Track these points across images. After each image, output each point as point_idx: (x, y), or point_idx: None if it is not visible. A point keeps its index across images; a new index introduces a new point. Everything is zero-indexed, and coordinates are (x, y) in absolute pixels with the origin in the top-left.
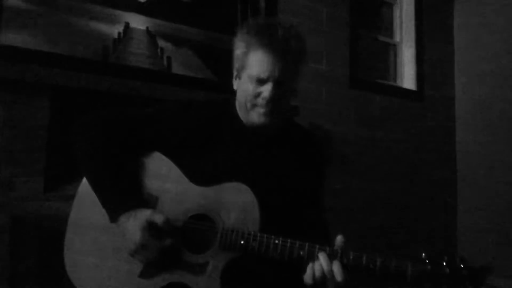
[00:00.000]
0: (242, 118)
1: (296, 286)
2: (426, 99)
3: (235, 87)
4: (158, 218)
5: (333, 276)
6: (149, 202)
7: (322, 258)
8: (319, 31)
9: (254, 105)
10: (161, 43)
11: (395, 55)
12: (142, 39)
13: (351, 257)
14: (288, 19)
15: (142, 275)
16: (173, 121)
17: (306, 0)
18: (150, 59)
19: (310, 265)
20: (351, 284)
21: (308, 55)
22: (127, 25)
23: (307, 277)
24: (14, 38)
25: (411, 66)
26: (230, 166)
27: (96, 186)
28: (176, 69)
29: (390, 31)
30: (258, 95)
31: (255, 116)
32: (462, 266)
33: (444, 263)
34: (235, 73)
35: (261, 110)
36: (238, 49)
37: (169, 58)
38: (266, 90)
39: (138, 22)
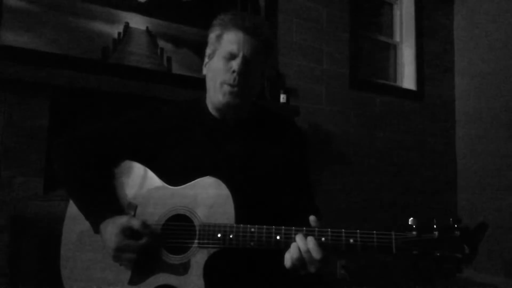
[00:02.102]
0: (211, 109)
1: (279, 275)
2: (426, 99)
3: (204, 72)
4: (135, 222)
5: (310, 255)
6: (129, 210)
7: (298, 238)
8: (319, 31)
9: (222, 83)
10: (161, 43)
11: (395, 55)
12: (142, 39)
13: (329, 234)
14: (288, 19)
15: (131, 282)
16: (142, 128)
17: (306, 0)
18: (150, 59)
19: (288, 249)
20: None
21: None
22: (127, 25)
23: (286, 261)
24: (14, 38)
25: (411, 66)
26: (203, 162)
27: (77, 202)
28: (176, 69)
29: (390, 31)
30: (227, 70)
31: (221, 96)
32: (454, 226)
33: (434, 227)
34: (206, 60)
35: (228, 89)
36: (213, 33)
37: (169, 58)
38: (235, 63)
39: (138, 22)
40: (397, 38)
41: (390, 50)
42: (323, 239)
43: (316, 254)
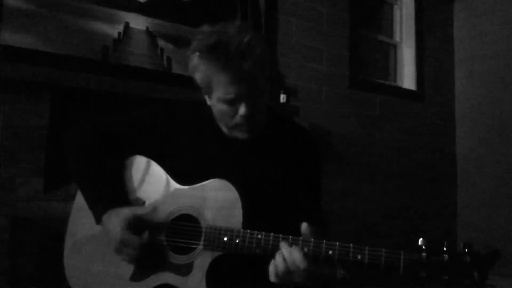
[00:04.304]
0: (223, 129)
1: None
2: (426, 99)
3: (208, 102)
4: (141, 210)
5: (295, 265)
6: (136, 205)
7: (283, 246)
8: (319, 31)
9: (235, 125)
10: (161, 43)
11: (395, 55)
12: (142, 39)
13: (336, 248)
14: (288, 19)
15: (133, 278)
16: (156, 124)
17: (306, 0)
18: (150, 59)
19: (272, 261)
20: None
21: (268, 60)
22: (127, 25)
23: (271, 274)
24: (14, 38)
25: (411, 66)
26: (214, 165)
27: (83, 190)
28: (176, 69)
29: (390, 31)
30: (235, 114)
31: (239, 134)
32: (465, 252)
33: (444, 250)
34: (203, 91)
35: (244, 128)
36: (197, 72)
37: (169, 58)
38: (242, 109)
39: (138, 22)
40: (397, 38)
41: (390, 50)
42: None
43: (300, 263)
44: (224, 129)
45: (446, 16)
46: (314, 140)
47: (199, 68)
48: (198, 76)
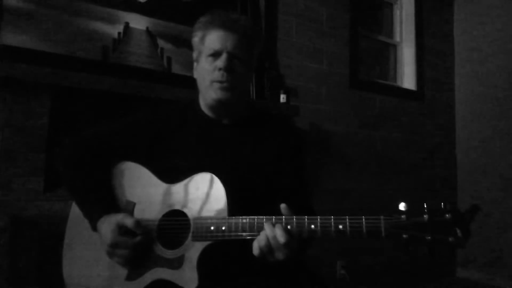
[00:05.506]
0: (205, 110)
1: (273, 269)
2: (426, 99)
3: (195, 75)
4: (129, 221)
5: (276, 239)
6: (127, 208)
7: (266, 225)
8: (319, 31)
9: (212, 82)
10: (161, 43)
11: (395, 55)
12: (142, 39)
13: (318, 221)
14: (288, 19)
15: (128, 278)
16: (140, 129)
17: (306, 0)
18: (150, 59)
19: (256, 238)
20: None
21: (261, 40)
22: (127, 25)
23: (254, 248)
24: (14, 38)
25: (411, 66)
26: (198, 160)
27: (77, 200)
28: (176, 69)
29: (390, 31)
30: (214, 69)
31: (213, 93)
32: (445, 209)
33: (425, 211)
34: (194, 64)
35: (218, 85)
36: (195, 37)
37: (169, 58)
38: (221, 60)
39: (138, 22)
40: (397, 38)
41: (390, 50)
42: (313, 226)
43: (281, 238)
44: (205, 101)
45: (446, 16)
46: (297, 130)
47: (197, 33)
48: (194, 40)
